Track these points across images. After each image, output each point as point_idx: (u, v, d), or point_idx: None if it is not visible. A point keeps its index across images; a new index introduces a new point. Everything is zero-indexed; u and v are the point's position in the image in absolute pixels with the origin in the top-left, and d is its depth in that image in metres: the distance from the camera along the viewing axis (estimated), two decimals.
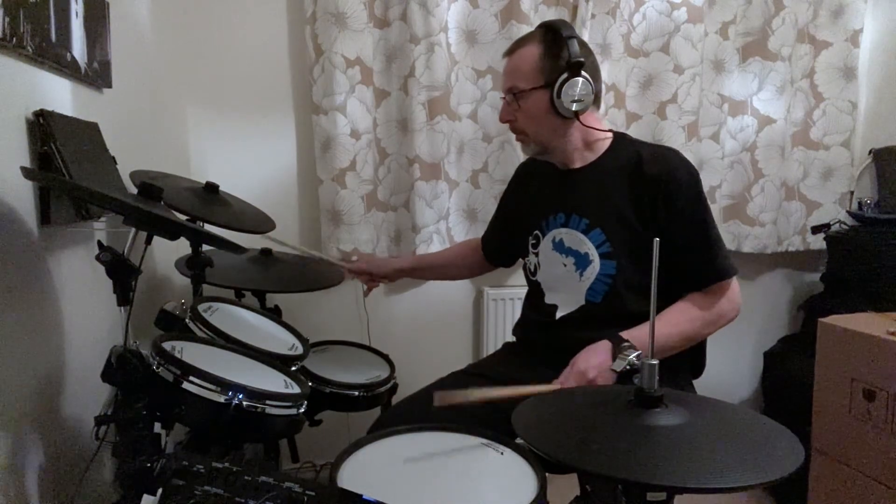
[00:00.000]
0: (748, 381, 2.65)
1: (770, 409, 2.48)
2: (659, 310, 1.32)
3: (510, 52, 1.40)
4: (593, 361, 1.23)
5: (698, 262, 1.34)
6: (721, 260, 1.34)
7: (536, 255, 1.48)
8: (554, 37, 1.34)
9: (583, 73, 1.31)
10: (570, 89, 1.31)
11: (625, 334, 1.26)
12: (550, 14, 2.26)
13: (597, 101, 1.40)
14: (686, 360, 1.45)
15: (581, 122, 1.35)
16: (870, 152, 2.50)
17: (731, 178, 2.43)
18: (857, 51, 2.40)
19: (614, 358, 1.21)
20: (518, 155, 2.24)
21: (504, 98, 1.42)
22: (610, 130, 1.43)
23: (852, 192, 2.48)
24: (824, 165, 2.47)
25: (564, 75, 1.31)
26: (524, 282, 1.57)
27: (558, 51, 1.32)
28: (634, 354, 1.17)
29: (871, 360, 1.69)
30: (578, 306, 1.40)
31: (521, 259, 1.58)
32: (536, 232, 1.48)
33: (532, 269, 1.50)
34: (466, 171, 2.31)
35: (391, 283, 2.31)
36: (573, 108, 1.32)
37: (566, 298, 1.42)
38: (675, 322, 1.32)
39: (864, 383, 1.71)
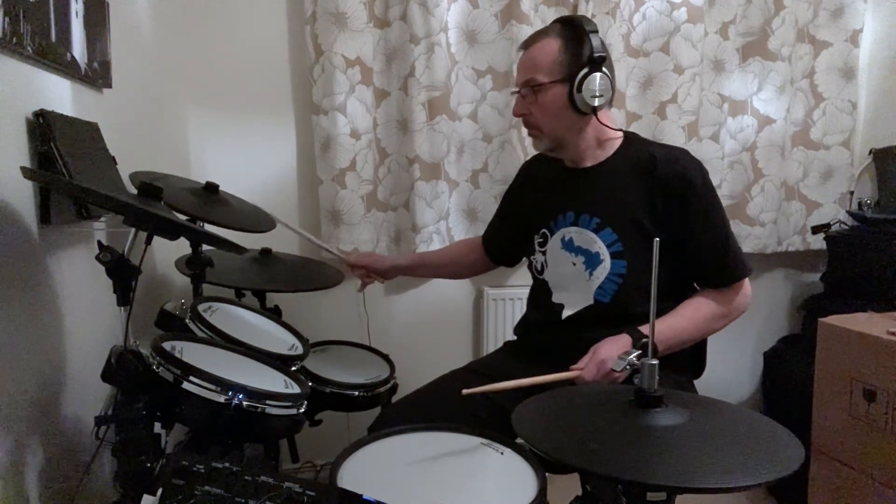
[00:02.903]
0: (748, 381, 2.65)
1: (770, 409, 2.48)
2: (670, 309, 1.33)
3: (528, 45, 1.39)
4: (615, 353, 1.21)
5: (715, 262, 1.35)
6: (737, 260, 1.35)
7: (544, 253, 1.47)
8: (574, 31, 1.33)
9: (603, 68, 1.30)
10: (590, 84, 1.30)
11: (644, 328, 1.26)
12: (550, 14, 2.26)
13: (611, 99, 1.39)
14: (686, 360, 1.45)
15: (598, 119, 1.35)
16: (870, 152, 2.50)
17: (731, 178, 2.43)
18: (857, 51, 2.40)
19: None
20: (518, 155, 2.24)
21: (519, 92, 1.40)
22: (621, 130, 1.43)
23: (852, 192, 2.48)
24: (824, 165, 2.46)
25: (585, 70, 1.30)
26: (524, 282, 1.57)
27: (579, 45, 1.32)
28: (635, 354, 1.17)
29: (871, 360, 1.69)
30: (586, 306, 1.39)
31: (525, 258, 1.58)
32: (544, 230, 1.47)
33: (539, 268, 1.50)
34: (466, 171, 2.31)
35: (390, 283, 2.31)
36: (593, 104, 1.31)
37: (574, 297, 1.41)
38: (691, 317, 1.33)
39: (864, 383, 1.71)
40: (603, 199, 1.38)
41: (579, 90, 1.31)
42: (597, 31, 1.32)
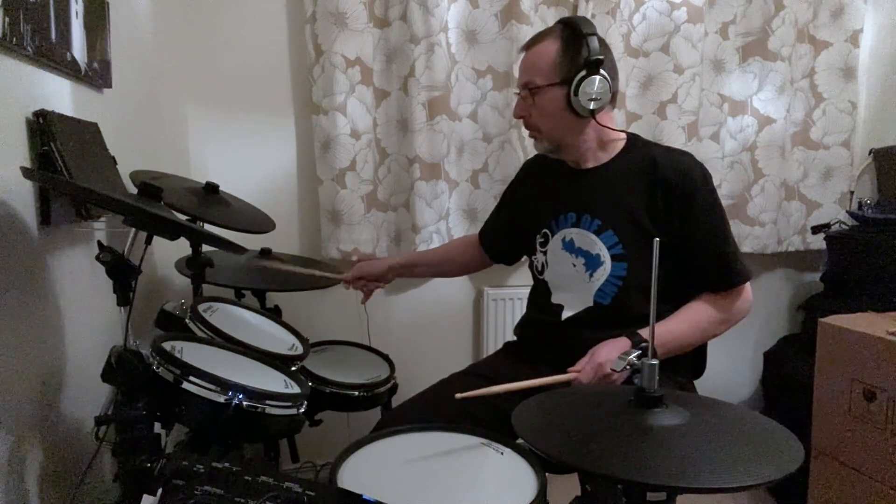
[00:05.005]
0: (748, 381, 2.65)
1: (770, 409, 2.48)
2: (669, 311, 1.33)
3: (528, 47, 1.38)
4: (614, 356, 1.20)
5: (716, 267, 1.34)
6: (737, 265, 1.35)
7: (544, 253, 1.47)
8: (573, 33, 1.32)
9: (601, 71, 1.29)
10: (587, 87, 1.29)
11: (643, 332, 1.26)
12: (550, 14, 2.26)
13: (613, 100, 1.38)
14: (686, 360, 1.44)
15: (597, 121, 1.34)
16: (870, 152, 2.50)
17: (731, 178, 2.43)
18: (857, 51, 2.40)
19: None
20: (518, 155, 2.24)
21: (519, 93, 1.40)
22: (624, 131, 1.43)
23: (852, 192, 2.48)
24: (824, 165, 2.46)
25: (582, 73, 1.30)
26: (524, 282, 1.57)
27: (577, 47, 1.31)
28: (635, 354, 1.17)
29: (871, 360, 1.69)
30: (586, 307, 1.39)
31: (525, 257, 1.58)
32: (545, 230, 1.46)
33: (539, 268, 1.49)
34: (466, 171, 2.31)
35: (390, 283, 2.31)
36: (590, 107, 1.30)
37: (573, 299, 1.41)
38: (691, 320, 1.32)
39: (864, 383, 1.71)
40: (604, 200, 1.38)
41: (576, 93, 1.30)
42: (594, 34, 1.31)
